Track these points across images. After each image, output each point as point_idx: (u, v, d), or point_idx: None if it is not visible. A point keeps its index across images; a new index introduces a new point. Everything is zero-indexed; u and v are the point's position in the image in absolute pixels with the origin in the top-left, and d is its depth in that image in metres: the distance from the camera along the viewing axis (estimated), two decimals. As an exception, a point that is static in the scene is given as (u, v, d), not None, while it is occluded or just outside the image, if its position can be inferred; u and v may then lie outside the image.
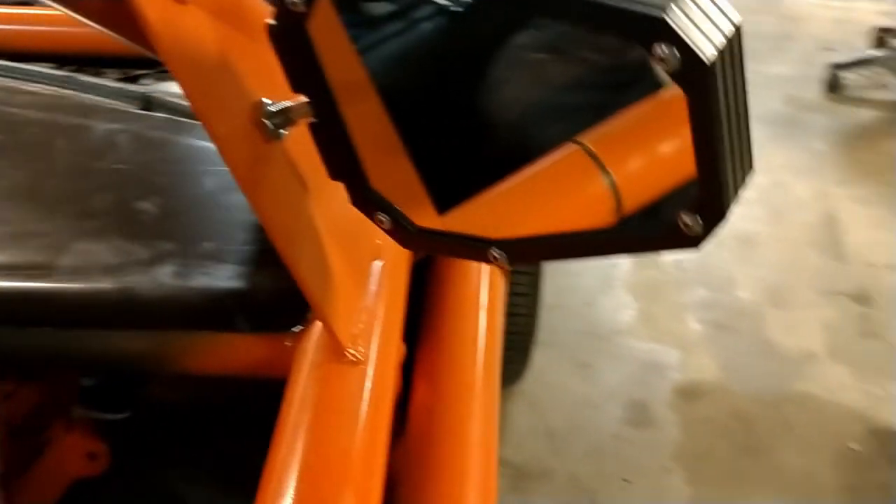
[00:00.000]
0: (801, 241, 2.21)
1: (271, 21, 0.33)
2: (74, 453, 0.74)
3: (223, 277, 0.46)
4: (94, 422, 0.75)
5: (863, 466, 1.62)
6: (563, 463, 1.64)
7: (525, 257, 0.36)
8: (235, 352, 0.47)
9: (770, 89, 2.91)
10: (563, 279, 2.10)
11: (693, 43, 0.26)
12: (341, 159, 0.37)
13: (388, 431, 0.40)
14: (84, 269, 0.46)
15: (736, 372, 1.84)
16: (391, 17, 0.45)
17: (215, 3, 0.37)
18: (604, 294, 2.06)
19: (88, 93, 0.63)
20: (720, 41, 0.28)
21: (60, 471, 0.74)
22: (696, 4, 0.27)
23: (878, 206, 2.33)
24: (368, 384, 0.40)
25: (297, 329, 0.44)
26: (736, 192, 0.31)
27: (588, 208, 0.42)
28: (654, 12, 0.26)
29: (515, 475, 1.62)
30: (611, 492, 1.58)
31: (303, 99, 0.37)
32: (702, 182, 0.30)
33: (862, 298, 2.02)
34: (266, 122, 0.38)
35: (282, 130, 0.38)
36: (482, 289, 0.55)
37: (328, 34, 0.35)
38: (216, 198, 0.52)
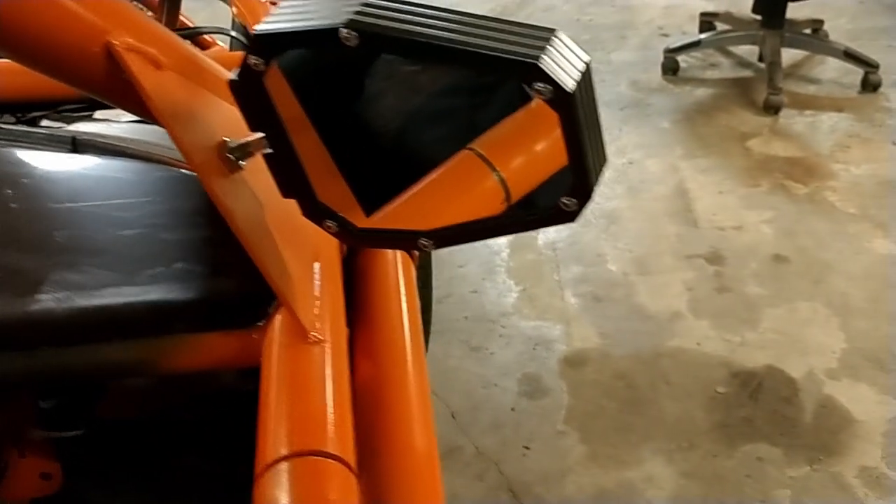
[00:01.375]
0: (657, 212, 2.43)
1: (233, 77, 0.43)
2: (29, 475, 0.80)
3: (196, 288, 0.54)
4: (48, 442, 0.81)
5: (729, 405, 1.82)
6: (469, 439, 1.77)
7: (447, 242, 0.47)
8: (211, 348, 0.56)
9: (617, 75, 3.15)
10: (450, 270, 2.23)
11: (560, 80, 0.38)
12: (293, 181, 0.46)
13: (350, 393, 0.50)
14: (68, 295, 0.53)
15: (614, 337, 2.01)
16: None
17: (182, 67, 0.45)
18: (488, 280, 2.20)
19: (21, 141, 0.69)
20: (577, 75, 0.39)
21: (18, 494, 0.79)
22: (557, 50, 0.39)
23: (718, 174, 2.58)
24: (329, 358, 0.50)
25: (260, 324, 0.54)
26: (597, 177, 0.42)
27: (485, 199, 0.53)
28: (531, 60, 0.38)
29: (427, 457, 1.74)
30: (513, 459, 1.72)
31: (258, 135, 0.46)
32: (573, 174, 0.41)
33: (714, 258, 2.24)
34: (230, 156, 0.47)
35: (241, 162, 0.48)
36: (399, 276, 0.65)
37: (276, 83, 0.44)
38: (170, 225, 0.60)
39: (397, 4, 0.40)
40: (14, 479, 0.79)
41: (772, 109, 2.85)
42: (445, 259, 2.26)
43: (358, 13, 0.39)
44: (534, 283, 2.19)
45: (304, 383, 0.47)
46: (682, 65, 3.15)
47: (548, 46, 0.38)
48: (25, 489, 0.80)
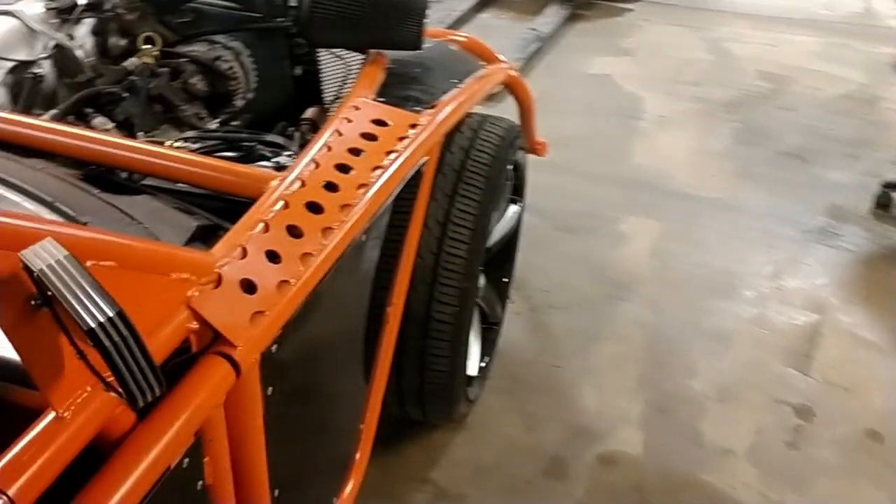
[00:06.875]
0: (775, 347, 2.40)
1: None
2: None
3: None
4: None
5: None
6: (476, 493, 1.99)
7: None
8: None
9: (818, 195, 3.04)
10: (540, 342, 2.43)
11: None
12: None
13: (77, 446, 0.81)
14: None
15: (655, 451, 2.09)
16: None
17: (126, 260, 0.81)
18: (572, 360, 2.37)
19: None
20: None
21: None
22: None
23: (870, 330, 2.45)
24: (68, 432, 0.81)
25: None
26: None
27: None
28: None
29: (437, 493, 1.99)
30: (504, 524, 1.92)
31: None
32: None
33: (804, 412, 2.20)
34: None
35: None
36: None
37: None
38: None
39: None
40: None
41: (968, 276, 2.62)
42: (539, 348, 2.45)
43: None
44: (611, 375, 2.31)
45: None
46: (899, 201, 2.97)
47: None
48: None
